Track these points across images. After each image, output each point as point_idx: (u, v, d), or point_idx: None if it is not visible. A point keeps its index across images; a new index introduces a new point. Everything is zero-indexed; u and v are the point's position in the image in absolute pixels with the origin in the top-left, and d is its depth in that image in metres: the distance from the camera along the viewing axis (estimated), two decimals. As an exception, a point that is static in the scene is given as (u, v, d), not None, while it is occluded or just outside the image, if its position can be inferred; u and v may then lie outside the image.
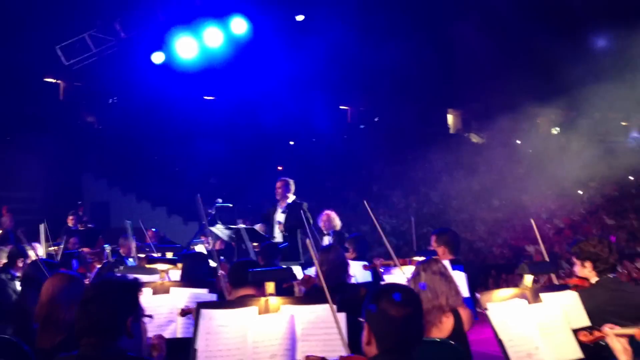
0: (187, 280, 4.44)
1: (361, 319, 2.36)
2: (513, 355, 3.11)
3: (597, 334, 3.14)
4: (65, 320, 3.31)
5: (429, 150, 29.68)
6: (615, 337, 3.02)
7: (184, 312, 3.78)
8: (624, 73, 24.89)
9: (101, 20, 13.84)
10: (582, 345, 3.26)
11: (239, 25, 13.04)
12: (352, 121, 32.95)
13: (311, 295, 4.58)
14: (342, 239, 7.69)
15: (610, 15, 24.58)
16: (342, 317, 2.92)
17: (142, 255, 6.00)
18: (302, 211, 7.58)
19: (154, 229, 9.81)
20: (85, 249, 8.48)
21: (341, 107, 32.66)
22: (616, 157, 33.85)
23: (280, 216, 8.12)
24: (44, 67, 17.39)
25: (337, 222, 8.08)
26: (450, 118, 36.81)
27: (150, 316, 2.80)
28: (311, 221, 7.63)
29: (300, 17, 15.86)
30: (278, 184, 8.16)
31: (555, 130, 39.14)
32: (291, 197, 8.09)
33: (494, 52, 25.40)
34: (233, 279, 3.74)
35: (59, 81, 21.28)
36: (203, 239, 8.79)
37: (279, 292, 3.66)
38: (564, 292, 3.45)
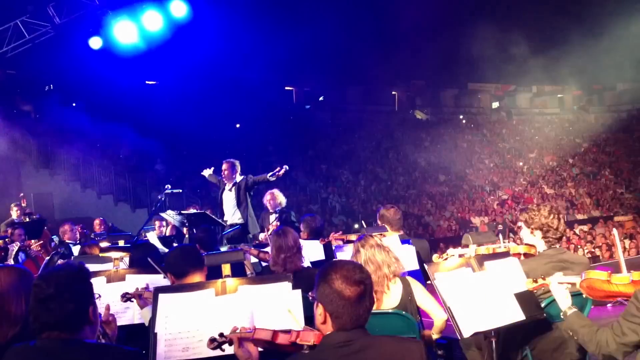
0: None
1: (312, 296, 2.42)
2: (460, 321, 3.28)
3: (541, 281, 3.37)
4: (16, 313, 3.27)
5: (375, 127, 30.07)
6: (558, 285, 3.28)
7: (126, 298, 3.70)
8: (560, 47, 25.77)
9: (33, 6, 13.32)
10: (525, 308, 3.47)
11: (179, 8, 12.76)
12: (297, 102, 32.93)
13: (267, 274, 4.62)
14: (288, 219, 7.76)
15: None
16: (297, 293, 3.02)
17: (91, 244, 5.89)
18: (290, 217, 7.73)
19: (101, 218, 9.64)
20: (31, 242, 8.26)
21: (286, 88, 32.58)
22: (553, 128, 35.20)
23: (228, 194, 8.15)
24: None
25: (282, 200, 8.12)
26: (395, 96, 37.25)
27: (98, 295, 2.80)
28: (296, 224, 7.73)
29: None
30: (224, 166, 8.19)
31: (495, 105, 40.27)
32: (238, 177, 8.15)
33: (434, 30, 25.78)
34: (175, 270, 3.56)
35: (-9, 69, 20.42)
36: (155, 224, 8.72)
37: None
38: (506, 260, 3.65)
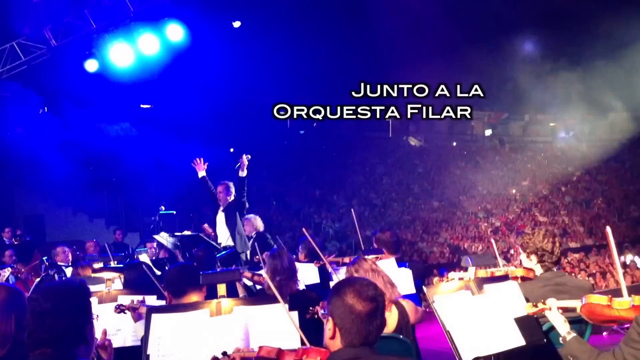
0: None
1: (322, 312, 2.39)
2: (460, 345, 3.22)
3: (541, 306, 3.31)
4: (5, 333, 3.19)
5: (369, 153, 30.15)
6: (556, 310, 3.23)
7: (119, 310, 3.66)
8: (552, 76, 26.06)
9: (29, 28, 13.37)
10: (525, 333, 3.42)
11: (175, 32, 12.82)
12: (291, 127, 32.99)
13: (262, 295, 4.54)
14: (264, 240, 7.77)
15: (538, 20, 25.68)
16: (294, 315, 2.95)
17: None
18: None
19: (94, 240, 9.55)
20: (20, 266, 8.15)
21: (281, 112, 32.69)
22: (546, 156, 35.37)
23: (221, 215, 8.14)
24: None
25: (259, 224, 8.16)
26: (389, 122, 37.37)
27: (96, 315, 2.74)
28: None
29: (237, 24, 15.71)
30: (219, 188, 8.24)
31: (488, 132, 40.51)
32: (231, 199, 8.17)
33: (428, 55, 26.02)
34: (174, 288, 3.53)
35: (-15, 91, 20.37)
36: (148, 246, 8.65)
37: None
38: (505, 283, 3.60)
